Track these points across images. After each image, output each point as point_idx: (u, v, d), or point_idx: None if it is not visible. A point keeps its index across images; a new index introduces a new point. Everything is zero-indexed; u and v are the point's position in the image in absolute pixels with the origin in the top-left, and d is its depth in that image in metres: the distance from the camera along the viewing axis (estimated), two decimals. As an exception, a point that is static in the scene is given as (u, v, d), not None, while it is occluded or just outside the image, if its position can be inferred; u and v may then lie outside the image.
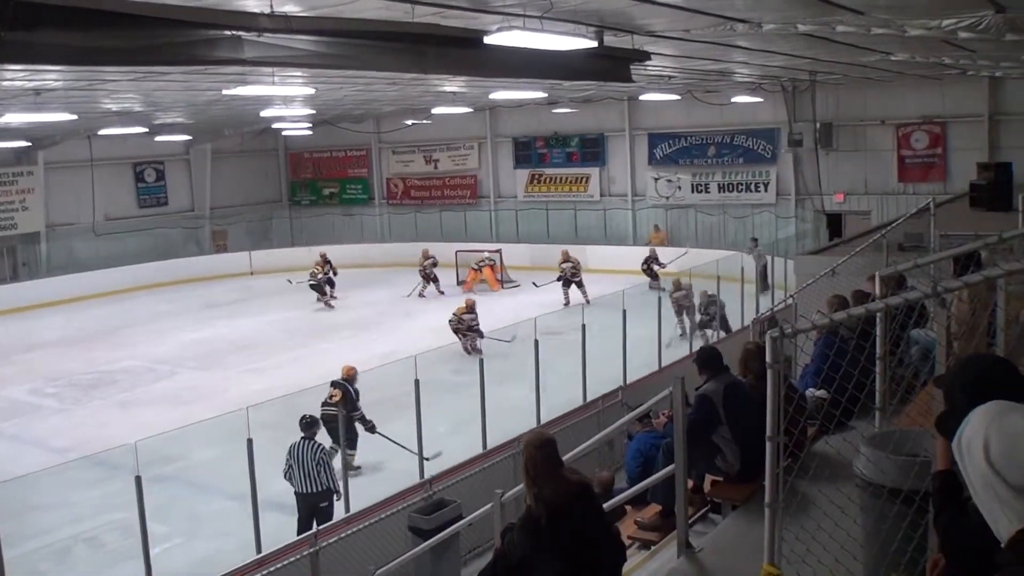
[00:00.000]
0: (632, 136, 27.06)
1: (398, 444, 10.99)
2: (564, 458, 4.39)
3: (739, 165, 25.48)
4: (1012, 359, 3.91)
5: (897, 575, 3.54)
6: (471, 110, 25.54)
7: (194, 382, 16.35)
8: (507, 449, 10.17)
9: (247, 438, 8.71)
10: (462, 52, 8.13)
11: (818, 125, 23.17)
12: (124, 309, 23.39)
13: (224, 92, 14.75)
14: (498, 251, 25.48)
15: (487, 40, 7.52)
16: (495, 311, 17.07)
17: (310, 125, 27.20)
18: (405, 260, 24.56)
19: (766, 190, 25.09)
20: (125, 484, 8.08)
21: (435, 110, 24.25)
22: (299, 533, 8.94)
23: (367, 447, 11.63)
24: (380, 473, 11.39)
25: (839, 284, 9.29)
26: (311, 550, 7.92)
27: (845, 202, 23.67)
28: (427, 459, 10.55)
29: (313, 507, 9.37)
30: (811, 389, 6.61)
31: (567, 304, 20.67)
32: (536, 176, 29.11)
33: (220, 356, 18.12)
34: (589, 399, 12.40)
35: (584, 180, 28.25)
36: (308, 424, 9.85)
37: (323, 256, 23.72)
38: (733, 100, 22.94)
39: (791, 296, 12.31)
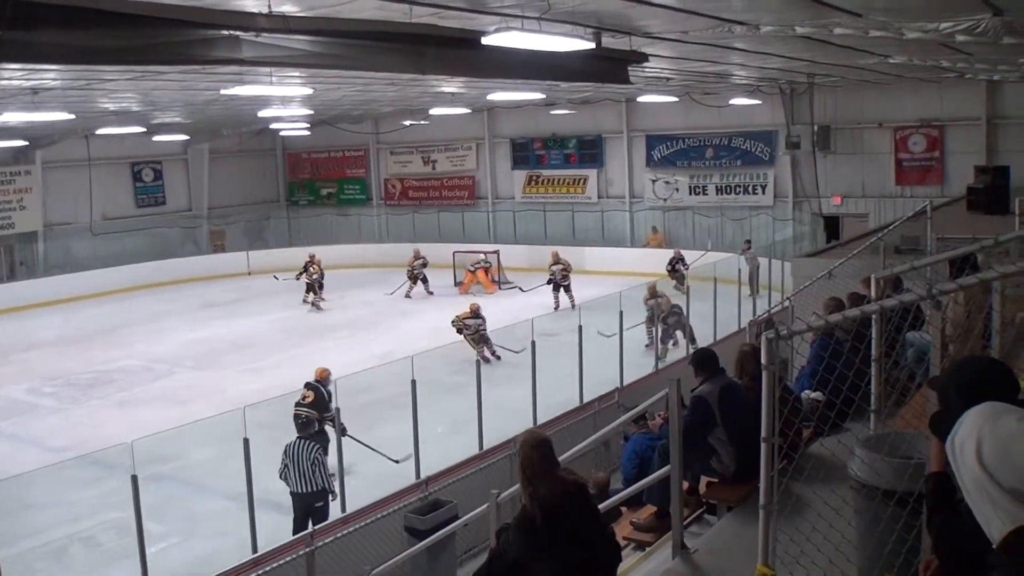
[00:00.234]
0: (630, 138, 27.05)
1: (370, 448, 10.88)
2: (560, 459, 4.39)
3: (737, 167, 25.47)
4: (1007, 361, 3.92)
5: (891, 576, 3.55)
6: (469, 111, 25.51)
7: (191, 382, 16.34)
8: (503, 450, 10.20)
9: (243, 438, 8.72)
10: (460, 53, 8.13)
11: (816, 128, 23.17)
12: (122, 309, 23.35)
13: (222, 92, 14.76)
14: (495, 252, 25.38)
15: (485, 41, 7.51)
16: (490, 313, 17.08)
17: (308, 125, 27.16)
18: (403, 261, 24.52)
19: (763, 192, 25.09)
20: (121, 483, 8.07)
21: (433, 111, 24.22)
22: (295, 533, 8.94)
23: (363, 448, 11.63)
24: (377, 474, 11.37)
25: (836, 287, 9.33)
26: (307, 550, 7.95)
27: (842, 205, 23.68)
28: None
29: (309, 507, 9.37)
30: (807, 391, 6.63)
31: (557, 308, 20.61)
32: (534, 177, 29.10)
33: (218, 356, 18.11)
34: (585, 400, 12.41)
35: (582, 181, 28.23)
36: (304, 424, 9.85)
37: (314, 256, 23.43)
38: (731, 102, 22.92)
39: (788, 298, 12.33)
